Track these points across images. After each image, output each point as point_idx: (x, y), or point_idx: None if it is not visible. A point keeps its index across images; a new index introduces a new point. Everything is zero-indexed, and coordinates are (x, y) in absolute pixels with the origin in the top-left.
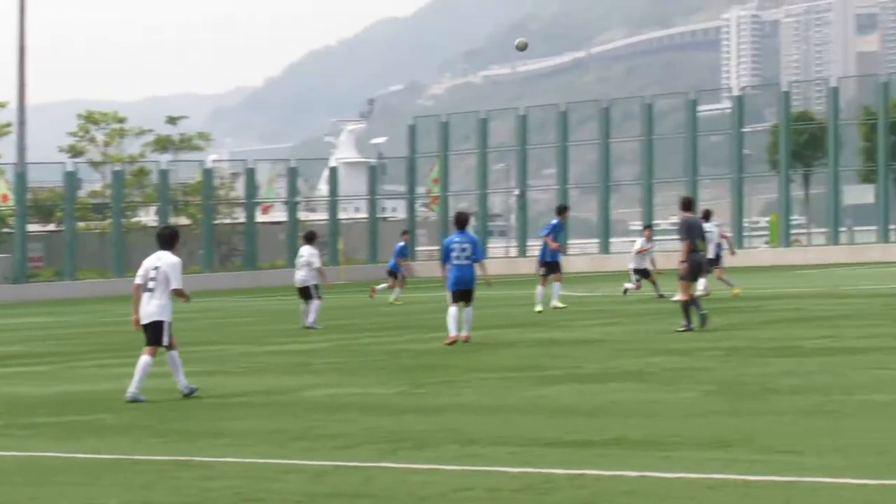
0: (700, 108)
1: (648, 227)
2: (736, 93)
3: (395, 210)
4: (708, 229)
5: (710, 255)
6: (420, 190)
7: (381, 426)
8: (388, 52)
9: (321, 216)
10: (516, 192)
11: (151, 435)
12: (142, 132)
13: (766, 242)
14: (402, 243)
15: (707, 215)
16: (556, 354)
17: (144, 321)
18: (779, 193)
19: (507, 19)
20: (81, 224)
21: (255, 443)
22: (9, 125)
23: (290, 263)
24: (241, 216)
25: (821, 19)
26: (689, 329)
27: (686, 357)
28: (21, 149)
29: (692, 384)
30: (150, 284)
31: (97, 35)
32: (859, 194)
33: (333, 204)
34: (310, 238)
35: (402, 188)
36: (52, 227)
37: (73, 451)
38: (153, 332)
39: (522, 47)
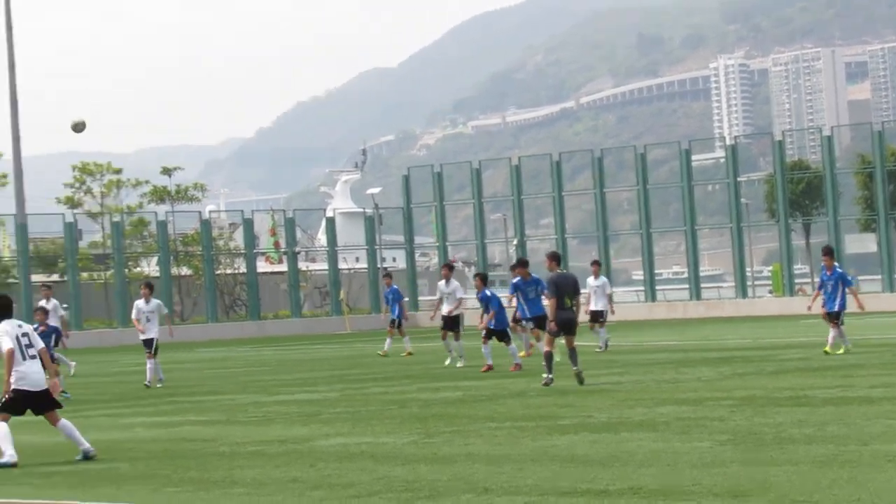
0: (694, 157)
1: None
2: (729, 142)
3: (395, 260)
4: (596, 284)
5: (598, 307)
6: (418, 240)
7: (396, 475)
8: (377, 103)
9: (321, 266)
10: (515, 241)
11: (168, 484)
12: (138, 183)
13: (770, 292)
14: (392, 288)
15: (597, 270)
16: (565, 404)
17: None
18: (779, 243)
19: (493, 69)
20: (84, 274)
21: (272, 492)
22: (4, 176)
23: (296, 314)
24: (241, 266)
25: (809, 67)
26: (550, 382)
27: (698, 406)
28: (20, 200)
29: (705, 433)
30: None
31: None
32: (861, 243)
33: (333, 254)
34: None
35: (399, 238)
36: (55, 277)
37: (90, 499)
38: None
39: (79, 128)
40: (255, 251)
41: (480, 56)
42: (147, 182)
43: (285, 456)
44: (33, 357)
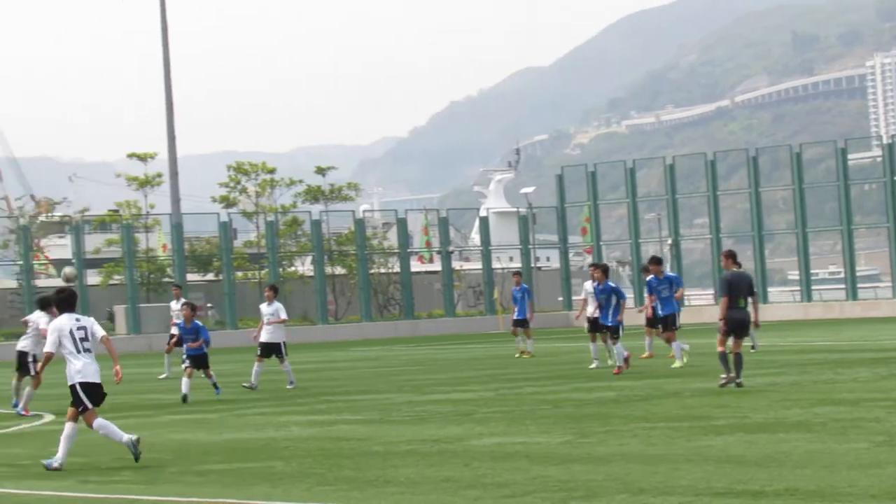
0: (850, 156)
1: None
2: (886, 140)
3: (549, 259)
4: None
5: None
6: (572, 239)
7: (550, 475)
8: (530, 102)
9: (475, 265)
10: (669, 241)
11: (322, 483)
12: (292, 182)
13: None
14: (522, 286)
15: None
16: (721, 404)
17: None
18: None
19: (647, 68)
20: (239, 274)
21: (426, 491)
22: (160, 176)
23: (449, 313)
24: (395, 266)
25: None
26: (730, 381)
27: (854, 407)
28: (175, 200)
29: (862, 434)
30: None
31: (241, 87)
32: None
33: (487, 253)
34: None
35: (552, 237)
36: (210, 276)
37: (245, 497)
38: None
39: (70, 278)
40: (408, 250)
41: (634, 55)
42: (301, 181)
43: (439, 455)
44: (88, 351)
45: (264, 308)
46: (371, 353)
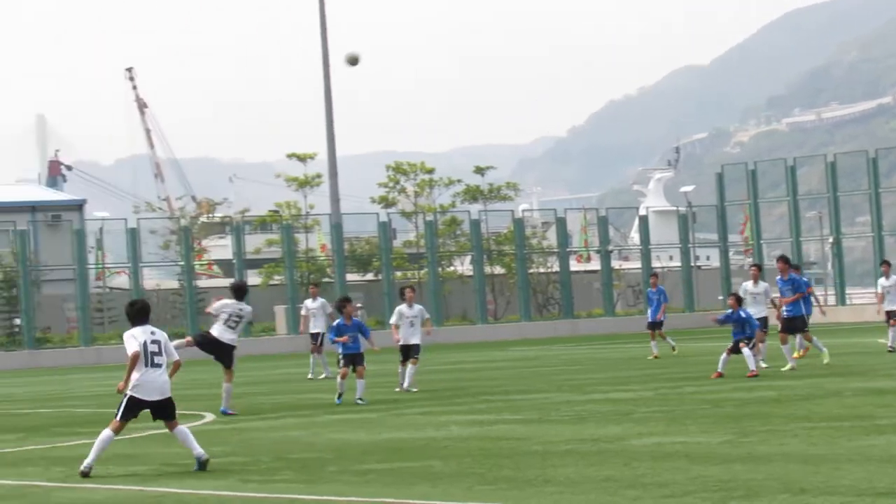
0: None
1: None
2: None
3: (709, 258)
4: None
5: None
6: (732, 238)
7: (710, 475)
8: (689, 101)
9: (634, 264)
10: (830, 239)
11: (481, 482)
12: (450, 182)
13: None
14: (658, 288)
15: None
16: (883, 403)
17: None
18: None
19: (808, 66)
20: (398, 273)
21: (585, 491)
22: (319, 176)
23: (609, 312)
24: (554, 265)
25: None
26: None
27: None
28: (335, 200)
29: None
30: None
31: (399, 87)
32: None
33: (646, 252)
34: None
35: (712, 236)
36: (369, 276)
37: (405, 497)
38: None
39: (353, 61)
40: (567, 250)
41: (793, 53)
42: (460, 181)
43: (598, 455)
44: (157, 365)
45: (406, 310)
46: (530, 352)
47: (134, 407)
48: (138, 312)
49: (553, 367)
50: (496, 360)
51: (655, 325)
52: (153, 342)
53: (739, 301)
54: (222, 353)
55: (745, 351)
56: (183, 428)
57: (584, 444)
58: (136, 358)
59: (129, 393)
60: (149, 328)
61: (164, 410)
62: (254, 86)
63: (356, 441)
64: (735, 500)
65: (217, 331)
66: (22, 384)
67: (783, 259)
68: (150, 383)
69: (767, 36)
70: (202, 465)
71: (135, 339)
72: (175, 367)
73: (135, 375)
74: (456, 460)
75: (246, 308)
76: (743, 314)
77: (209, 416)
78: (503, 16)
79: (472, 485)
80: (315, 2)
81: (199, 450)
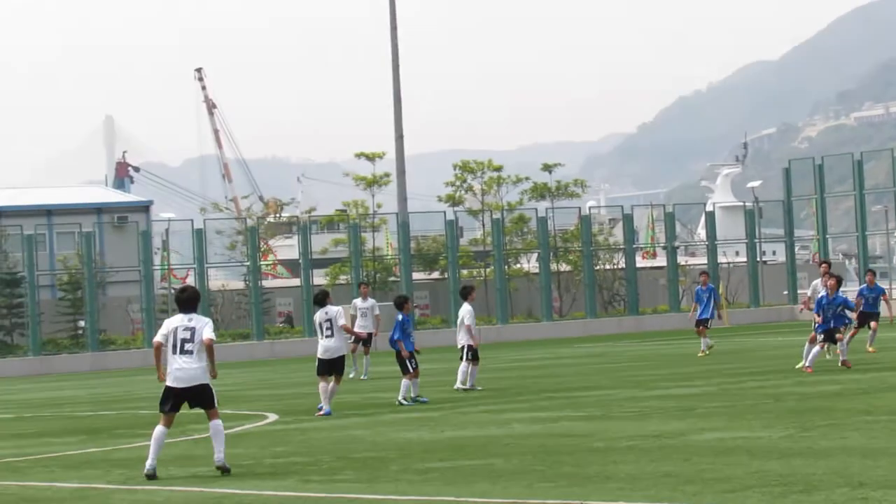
0: None
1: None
2: None
3: (775, 253)
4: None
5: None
6: (798, 233)
7: (770, 470)
8: (757, 96)
9: (701, 260)
10: (895, 234)
11: (542, 479)
12: (518, 180)
13: None
14: (708, 286)
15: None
16: None
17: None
18: None
19: (878, 60)
20: (465, 272)
21: (646, 487)
22: (388, 175)
23: (674, 308)
24: (620, 261)
25: None
26: None
27: None
28: (402, 199)
29: None
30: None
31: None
32: None
33: (713, 248)
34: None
35: (778, 231)
36: (436, 275)
37: (465, 495)
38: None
39: None
40: (634, 246)
41: (862, 47)
42: (527, 179)
43: (660, 451)
44: (187, 352)
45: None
46: (596, 349)
47: (168, 396)
48: (186, 300)
49: (618, 363)
50: (561, 357)
51: (704, 322)
52: (185, 328)
53: (839, 283)
54: (331, 365)
55: (840, 344)
56: (218, 424)
57: (645, 441)
58: (156, 348)
59: (166, 383)
60: (187, 316)
61: (197, 398)
62: (322, 85)
63: (418, 440)
64: (795, 494)
65: (319, 349)
66: (86, 386)
67: (870, 272)
68: (177, 371)
69: (838, 30)
70: (221, 469)
71: (164, 327)
72: (209, 351)
73: (169, 365)
74: (517, 458)
75: (331, 310)
76: (842, 295)
77: (272, 417)
78: (573, 13)
79: (533, 482)
80: (385, 1)
81: (221, 454)
